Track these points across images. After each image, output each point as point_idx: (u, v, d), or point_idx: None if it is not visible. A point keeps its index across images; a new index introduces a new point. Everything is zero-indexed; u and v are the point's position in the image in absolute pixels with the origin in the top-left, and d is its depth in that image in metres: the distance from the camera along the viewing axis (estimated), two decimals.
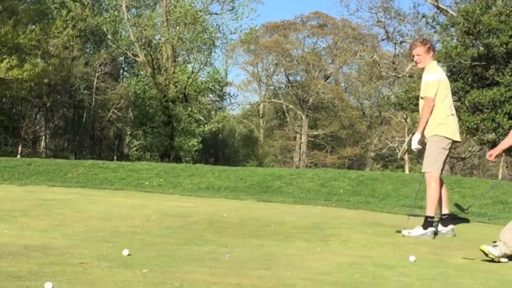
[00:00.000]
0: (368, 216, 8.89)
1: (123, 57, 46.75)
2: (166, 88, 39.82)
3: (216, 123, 45.06)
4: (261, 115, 60.33)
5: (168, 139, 39.66)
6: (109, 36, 40.05)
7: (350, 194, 12.47)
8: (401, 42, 48.09)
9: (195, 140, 40.50)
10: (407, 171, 43.13)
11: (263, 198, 11.35)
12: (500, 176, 40.43)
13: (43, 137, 45.23)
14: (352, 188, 13.06)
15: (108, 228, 7.02)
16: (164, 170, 14.94)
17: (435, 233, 7.24)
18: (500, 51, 23.59)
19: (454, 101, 7.83)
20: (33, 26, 32.67)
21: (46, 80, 32.98)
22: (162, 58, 40.84)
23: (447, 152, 7.32)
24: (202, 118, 43.78)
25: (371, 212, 9.65)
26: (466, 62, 24.54)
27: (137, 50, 39.82)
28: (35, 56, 32.64)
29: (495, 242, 6.03)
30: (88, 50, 44.64)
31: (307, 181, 13.67)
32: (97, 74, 42.48)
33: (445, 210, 7.46)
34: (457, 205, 7.73)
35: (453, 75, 24.85)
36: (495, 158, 6.81)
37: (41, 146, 45.32)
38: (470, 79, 25.15)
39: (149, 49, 40.31)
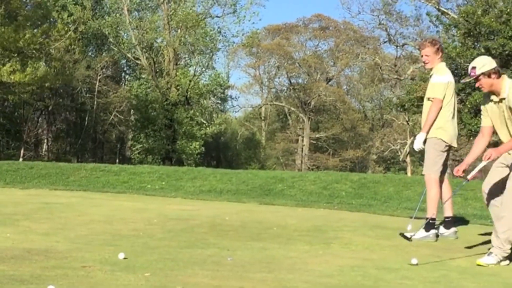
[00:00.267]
0: (370, 219, 8.88)
1: (125, 60, 46.77)
2: (168, 91, 39.84)
3: (218, 125, 45.02)
4: (263, 118, 60.26)
5: (170, 142, 39.67)
6: (111, 39, 40.08)
7: (352, 197, 12.46)
8: (403, 45, 47.99)
9: (197, 143, 40.47)
10: (409, 174, 43.02)
11: (265, 201, 11.34)
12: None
13: (45, 141, 45.23)
14: (354, 191, 13.05)
15: (110, 232, 7.03)
16: (166, 173, 14.96)
17: (437, 235, 7.24)
18: (498, 53, 23.53)
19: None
20: (35, 30, 32.68)
21: (47, 84, 32.98)
22: (164, 61, 40.87)
23: (445, 155, 7.34)
24: (204, 121, 43.74)
25: (373, 214, 9.64)
26: (466, 64, 24.48)
27: (138, 53, 39.86)
28: (37, 60, 32.65)
29: (489, 249, 6.03)
30: (90, 53, 44.62)
31: (309, 183, 13.67)
32: (99, 77, 42.46)
33: (448, 213, 7.44)
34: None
35: (455, 76, 24.77)
36: (462, 173, 6.14)
37: (43, 150, 45.30)
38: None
39: (150, 52, 40.38)
